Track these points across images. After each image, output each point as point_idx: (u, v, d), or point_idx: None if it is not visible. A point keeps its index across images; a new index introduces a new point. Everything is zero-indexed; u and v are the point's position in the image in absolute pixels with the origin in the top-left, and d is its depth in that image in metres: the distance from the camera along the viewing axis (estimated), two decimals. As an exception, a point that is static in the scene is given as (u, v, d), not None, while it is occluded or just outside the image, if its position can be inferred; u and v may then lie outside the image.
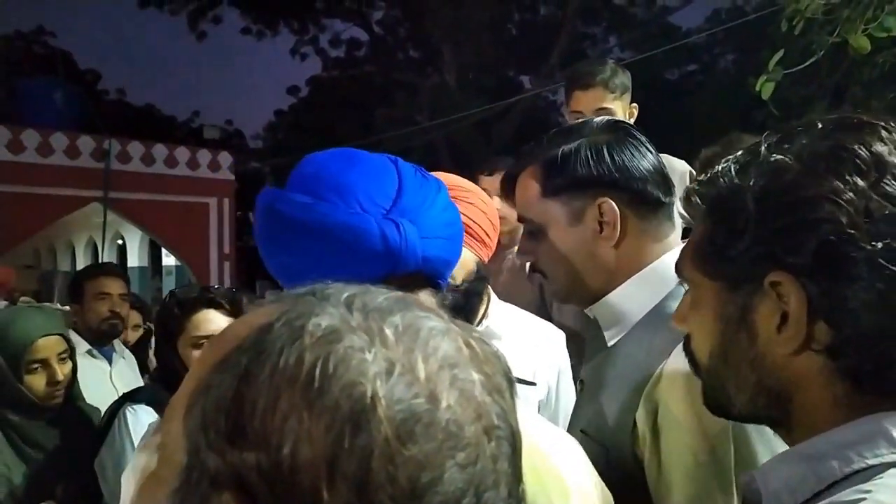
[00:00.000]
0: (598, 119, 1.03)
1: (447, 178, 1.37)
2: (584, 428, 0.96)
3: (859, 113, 0.54)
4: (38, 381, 1.62)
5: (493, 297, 1.43)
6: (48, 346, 1.63)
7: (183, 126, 24.10)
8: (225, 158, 13.64)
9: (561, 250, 0.97)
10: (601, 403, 0.93)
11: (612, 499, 0.66)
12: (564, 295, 1.04)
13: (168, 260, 13.96)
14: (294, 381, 0.31)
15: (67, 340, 1.70)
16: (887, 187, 0.49)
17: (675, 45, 12.62)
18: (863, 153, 0.50)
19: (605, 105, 1.94)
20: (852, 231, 0.49)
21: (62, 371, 1.65)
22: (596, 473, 0.67)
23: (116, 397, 1.77)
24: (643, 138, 0.99)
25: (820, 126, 0.54)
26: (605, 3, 18.14)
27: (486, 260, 1.38)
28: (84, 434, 1.71)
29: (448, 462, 0.31)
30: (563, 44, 16.60)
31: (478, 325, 1.37)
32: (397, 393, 0.31)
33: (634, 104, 2.07)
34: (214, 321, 1.55)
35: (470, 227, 1.31)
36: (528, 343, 1.37)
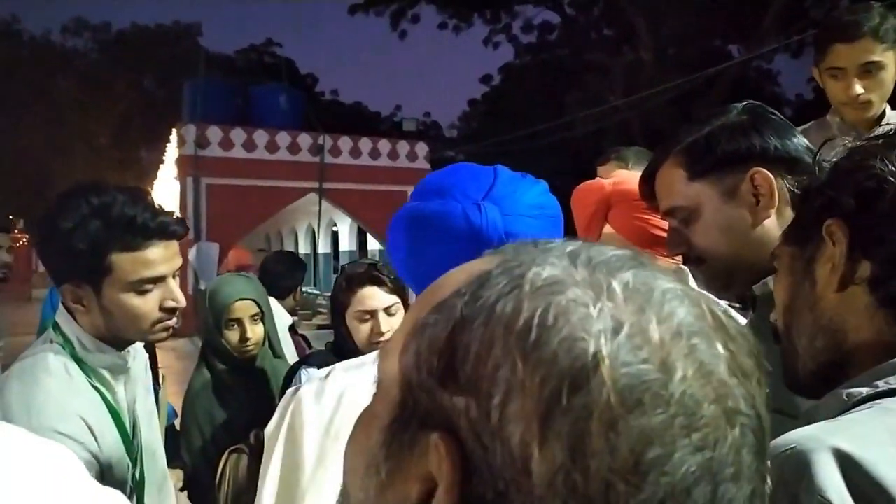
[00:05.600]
0: (735, 105, 1.01)
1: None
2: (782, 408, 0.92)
3: None
4: (233, 336, 1.90)
5: None
6: (242, 308, 1.90)
7: (386, 120, 25.92)
8: (421, 148, 14.42)
9: (719, 227, 0.97)
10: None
11: None
12: (726, 276, 0.99)
13: (373, 244, 15.16)
14: (510, 330, 0.29)
15: (259, 305, 1.92)
16: None
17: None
18: None
19: (873, 58, 1.67)
20: (884, 174, 0.60)
21: (253, 330, 1.89)
22: None
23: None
24: (786, 121, 0.97)
25: None
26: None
27: None
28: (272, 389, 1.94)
29: (680, 440, 0.27)
30: (778, 4, 14.84)
31: None
32: (624, 355, 0.28)
33: None
34: (377, 297, 1.63)
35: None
36: None
